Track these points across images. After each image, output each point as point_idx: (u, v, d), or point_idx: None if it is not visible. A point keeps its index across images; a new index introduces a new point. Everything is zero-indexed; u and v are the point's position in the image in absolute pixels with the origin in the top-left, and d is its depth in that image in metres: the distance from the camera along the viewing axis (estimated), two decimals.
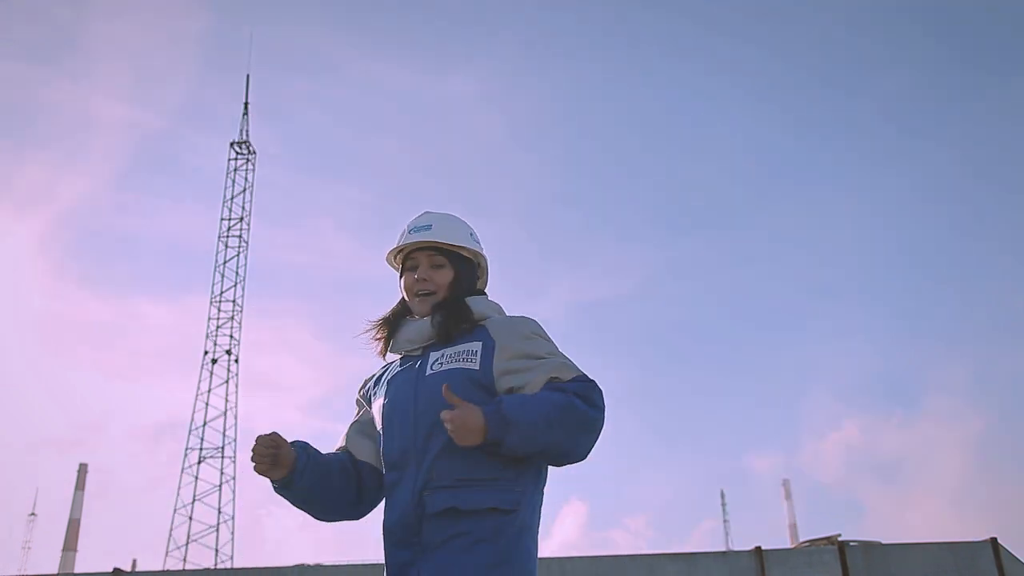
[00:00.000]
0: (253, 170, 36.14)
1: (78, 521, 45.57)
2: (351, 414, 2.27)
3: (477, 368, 1.98)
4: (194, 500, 31.39)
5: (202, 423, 32.44)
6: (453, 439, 1.83)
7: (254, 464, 1.95)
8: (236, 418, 32.91)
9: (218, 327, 33.82)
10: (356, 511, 2.15)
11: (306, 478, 2.01)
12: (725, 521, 60.17)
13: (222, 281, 34.41)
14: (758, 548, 8.39)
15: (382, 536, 2.00)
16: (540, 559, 5.43)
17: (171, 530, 31.15)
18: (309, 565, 10.24)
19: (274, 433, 1.97)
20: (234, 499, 31.97)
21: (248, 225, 35.37)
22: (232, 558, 30.76)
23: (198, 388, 33.06)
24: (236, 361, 33.52)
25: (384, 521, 2.01)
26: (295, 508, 2.10)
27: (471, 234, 2.21)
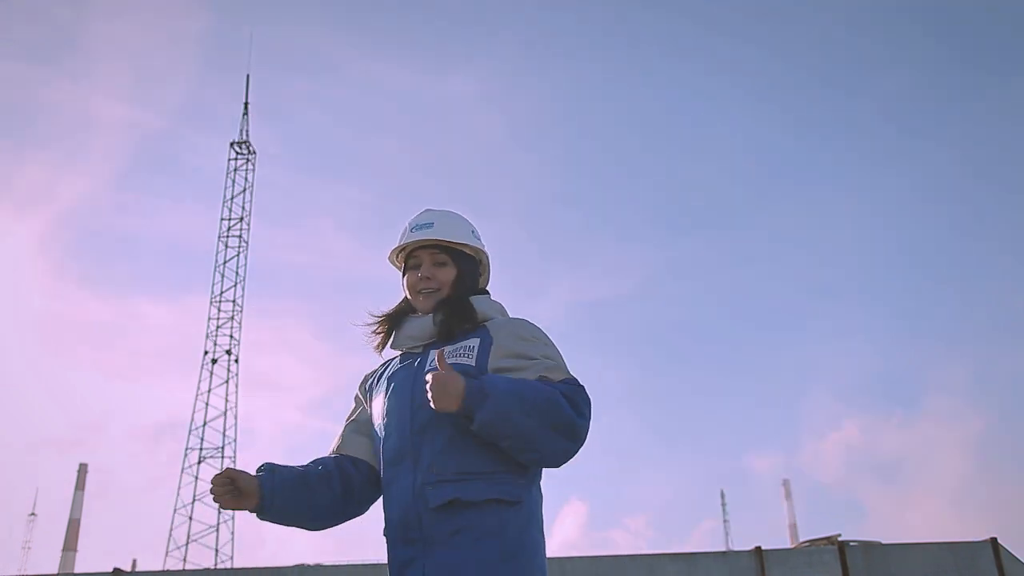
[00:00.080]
0: (253, 170, 36.17)
1: (78, 521, 45.57)
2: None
3: (473, 364, 1.97)
4: (194, 500, 31.35)
5: (202, 423, 32.45)
6: (431, 401, 1.82)
7: (217, 503, 1.95)
8: (236, 418, 32.93)
9: (218, 327, 33.84)
10: (350, 512, 2.14)
11: (278, 499, 1.99)
12: (725, 521, 60.25)
13: (222, 281, 34.45)
14: (758, 548, 8.37)
15: (384, 534, 1.99)
16: None
17: (171, 530, 31.20)
18: (309, 565, 10.22)
19: (227, 468, 1.97)
20: None
21: (248, 225, 35.40)
22: (232, 558, 30.79)
23: (198, 388, 33.11)
24: (236, 361, 33.54)
25: (385, 519, 2.00)
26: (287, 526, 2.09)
27: (473, 231, 2.21)
